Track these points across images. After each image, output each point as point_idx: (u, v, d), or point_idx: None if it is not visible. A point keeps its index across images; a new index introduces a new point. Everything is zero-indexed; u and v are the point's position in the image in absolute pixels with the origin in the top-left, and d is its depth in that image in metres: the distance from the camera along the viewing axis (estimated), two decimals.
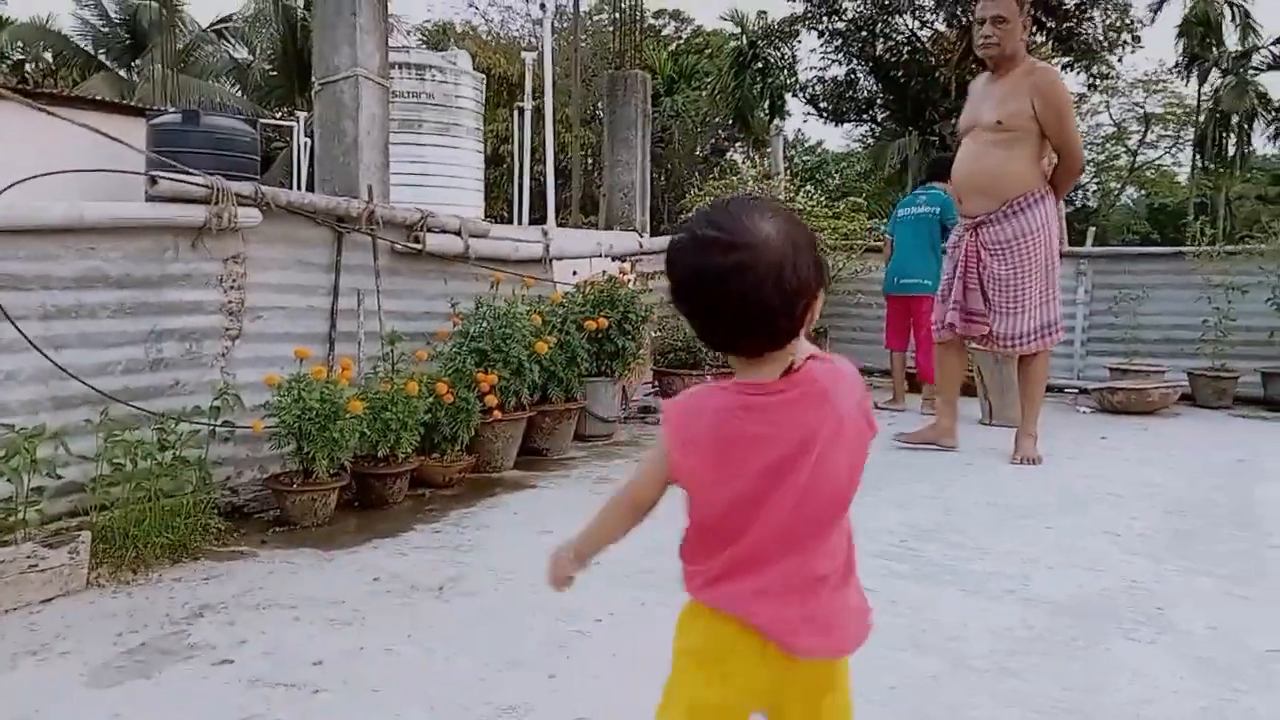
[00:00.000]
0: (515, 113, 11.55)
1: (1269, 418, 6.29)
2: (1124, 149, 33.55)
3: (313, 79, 4.92)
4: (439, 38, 26.39)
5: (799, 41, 25.70)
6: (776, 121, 24.19)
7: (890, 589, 2.94)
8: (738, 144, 29.63)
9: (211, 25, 25.08)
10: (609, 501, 1.48)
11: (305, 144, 12.57)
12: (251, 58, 24.84)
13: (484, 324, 4.58)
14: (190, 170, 3.71)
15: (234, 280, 3.86)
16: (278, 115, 19.43)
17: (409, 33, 27.16)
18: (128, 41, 24.18)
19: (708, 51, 29.51)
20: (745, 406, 1.28)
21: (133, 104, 13.51)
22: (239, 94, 23.59)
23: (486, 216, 11.49)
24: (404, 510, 3.92)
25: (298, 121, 12.72)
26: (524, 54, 11.39)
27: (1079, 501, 4.10)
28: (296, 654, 2.48)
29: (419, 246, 4.62)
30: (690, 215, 1.35)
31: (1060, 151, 4.71)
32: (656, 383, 6.61)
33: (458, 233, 4.87)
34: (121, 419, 3.33)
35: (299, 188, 12.27)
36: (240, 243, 3.87)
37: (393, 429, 3.87)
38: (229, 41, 25.36)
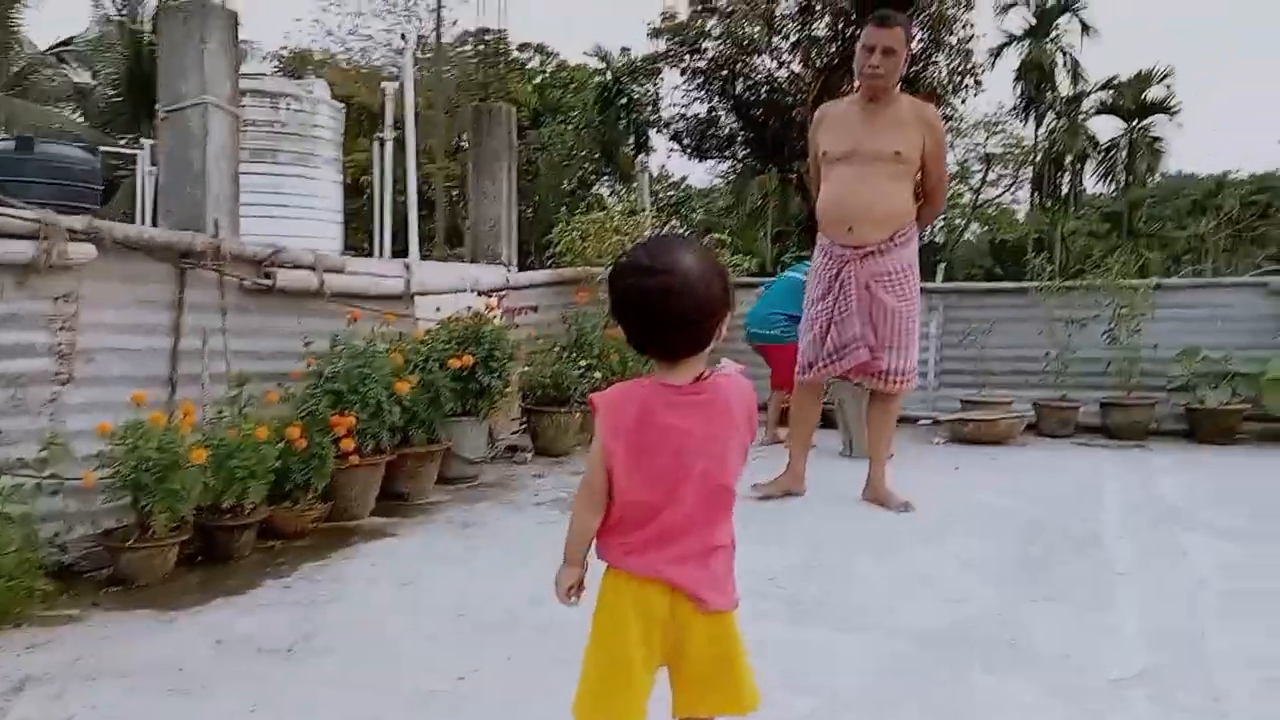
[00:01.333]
0: (376, 143, 11.31)
1: (1109, 445, 6.63)
2: (967, 187, 35.38)
3: (157, 107, 4.67)
4: (296, 65, 25.72)
5: (662, 79, 26.19)
6: (641, 157, 24.52)
7: (761, 630, 2.90)
8: (604, 178, 29.88)
9: (51, 49, 23.72)
10: (575, 501, 1.75)
11: (151, 173, 11.97)
12: (94, 82, 23.62)
13: (340, 363, 4.39)
14: (16, 203, 3.44)
15: (65, 321, 3.59)
16: (122, 142, 18.48)
17: (264, 59, 26.38)
18: None
19: (573, 85, 29.71)
20: (663, 402, 1.62)
21: None
22: (81, 120, 22.36)
23: (347, 248, 11.17)
24: (252, 564, 3.69)
25: (143, 149, 12.09)
26: (384, 84, 11.18)
27: (936, 531, 4.20)
28: None
29: (269, 283, 4.41)
30: (629, 249, 1.71)
31: (935, 190, 4.72)
32: (525, 420, 6.50)
33: (312, 267, 4.68)
34: None
35: (143, 218, 11.64)
36: (73, 280, 3.60)
37: (239, 477, 3.65)
38: (69, 65, 24.05)
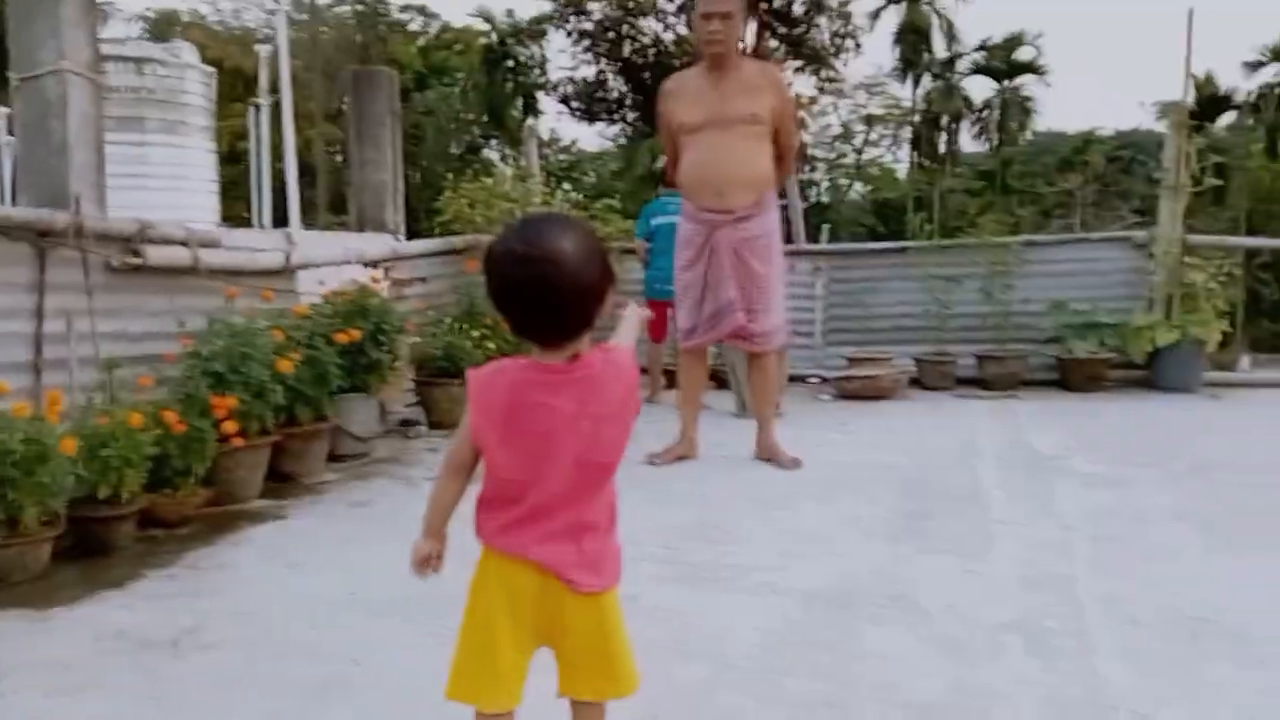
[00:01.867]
0: (252, 109, 10.86)
1: (985, 397, 6.91)
2: (850, 148, 36.08)
3: (10, 74, 4.38)
4: (163, 28, 24.50)
5: (548, 41, 25.90)
6: (530, 120, 24.23)
7: (654, 594, 2.96)
8: (493, 141, 29.42)
9: None
10: (437, 473, 1.76)
11: (8, 143, 11.26)
12: None
13: (218, 343, 4.23)
14: None
15: None
16: None
17: (128, 20, 25.06)
18: None
19: (458, 48, 29.10)
20: (534, 382, 1.60)
21: None
22: None
23: (226, 219, 10.74)
24: (133, 555, 3.55)
25: None
26: (257, 47, 10.74)
27: (825, 488, 4.32)
28: None
29: (139, 261, 4.22)
30: (503, 229, 1.67)
31: (786, 149, 4.82)
32: (418, 394, 6.40)
33: (185, 243, 4.50)
34: None
35: (0, 192, 10.98)
36: None
37: (114, 466, 3.49)
38: None
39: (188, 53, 9.57)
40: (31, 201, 4.18)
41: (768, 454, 4.82)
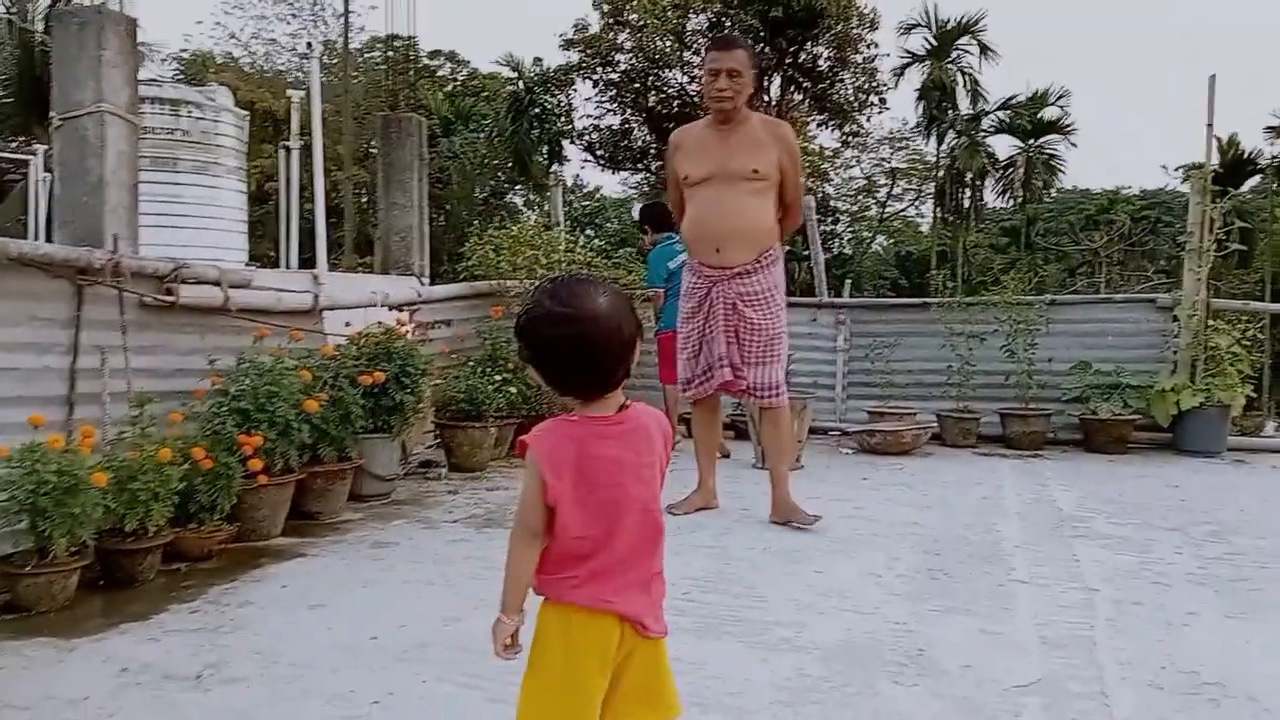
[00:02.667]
0: (283, 152, 11.07)
1: (1008, 455, 6.88)
2: (874, 201, 36.29)
3: (52, 114, 4.51)
4: (197, 69, 25.03)
5: (575, 90, 26.24)
6: (555, 168, 24.51)
7: (673, 645, 2.92)
8: (517, 187, 29.75)
9: None
10: (509, 547, 1.74)
11: (44, 179, 11.51)
12: None
13: (246, 381, 4.30)
14: None
15: None
16: (13, 146, 17.70)
17: (163, 61, 25.62)
18: None
19: (485, 94, 29.54)
20: (594, 435, 1.67)
21: None
22: None
23: (252, 258, 10.92)
24: (157, 589, 3.59)
25: (36, 154, 11.62)
26: (290, 92, 10.96)
27: (845, 543, 4.31)
28: None
29: (171, 299, 4.30)
30: (536, 290, 1.73)
31: (792, 205, 4.81)
32: (439, 436, 6.44)
33: (216, 283, 4.58)
34: None
35: (37, 227, 11.19)
36: None
37: (142, 500, 3.54)
38: None
39: (223, 96, 9.80)
40: (67, 238, 4.27)
41: (784, 513, 4.69)
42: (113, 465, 3.54)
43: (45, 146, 12.29)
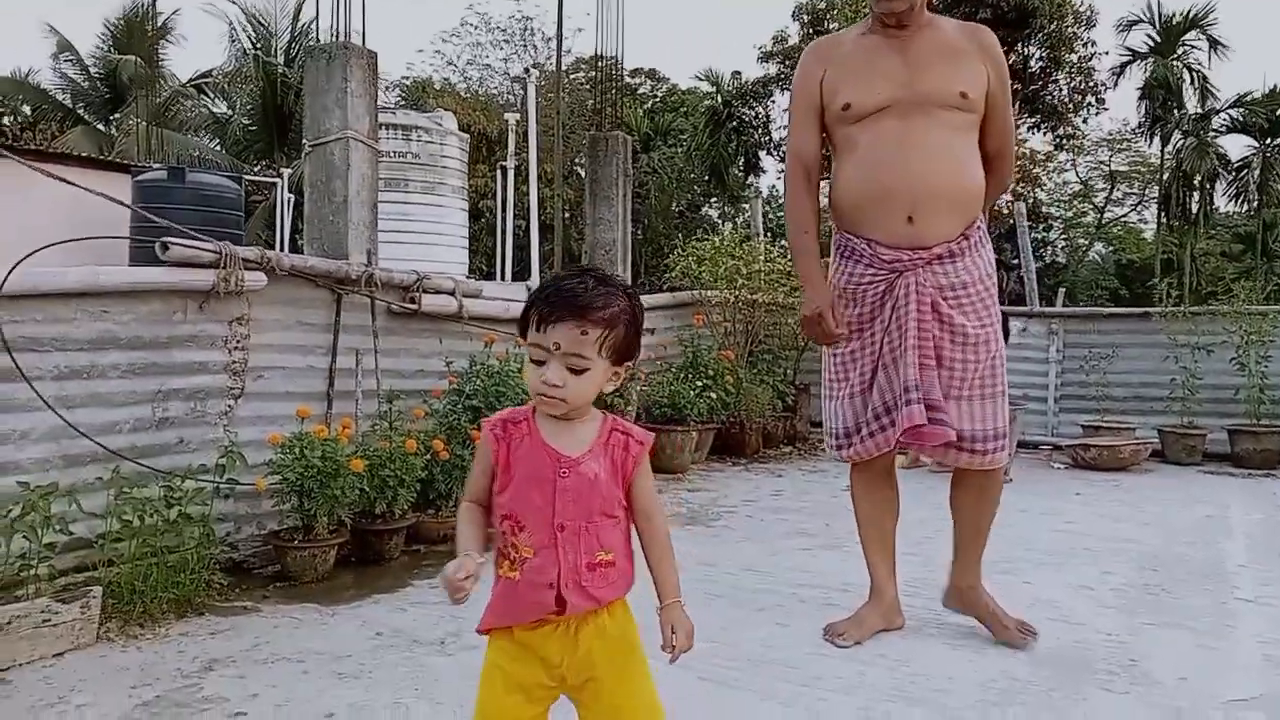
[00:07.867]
0: (499, 171, 11.77)
1: (1236, 474, 6.49)
2: (1091, 206, 34.36)
3: (304, 140, 5.06)
4: (418, 94, 26.75)
5: (773, 101, 26.33)
6: (752, 179, 24.64)
7: (876, 640, 3.06)
8: (713, 200, 30.09)
9: (191, 80, 25.33)
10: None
11: (289, 200, 12.73)
12: (231, 113, 25.07)
13: (477, 382, 4.69)
14: (201, 236, 3.84)
15: (238, 341, 3.97)
16: (257, 169, 19.56)
17: (388, 88, 27.54)
18: (107, 96, 24.40)
19: (683, 109, 30.08)
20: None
21: (116, 160, 13.65)
22: (218, 148, 23.78)
23: (469, 272, 11.66)
24: (401, 566, 4.01)
25: (281, 178, 12.88)
26: (506, 115, 11.65)
27: (1054, 556, 4.24)
28: (308, 707, 2.56)
29: (415, 307, 4.75)
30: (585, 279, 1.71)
31: (1003, 150, 3.15)
32: None
33: (452, 293, 5.01)
34: (129, 476, 3.41)
35: (281, 243, 12.40)
36: (244, 305, 3.98)
37: (390, 486, 3.97)
38: (208, 96, 25.60)
39: (449, 121, 10.53)
40: (316, 253, 4.78)
41: (969, 604, 3.23)
42: (366, 454, 3.97)
43: (289, 170, 13.60)
